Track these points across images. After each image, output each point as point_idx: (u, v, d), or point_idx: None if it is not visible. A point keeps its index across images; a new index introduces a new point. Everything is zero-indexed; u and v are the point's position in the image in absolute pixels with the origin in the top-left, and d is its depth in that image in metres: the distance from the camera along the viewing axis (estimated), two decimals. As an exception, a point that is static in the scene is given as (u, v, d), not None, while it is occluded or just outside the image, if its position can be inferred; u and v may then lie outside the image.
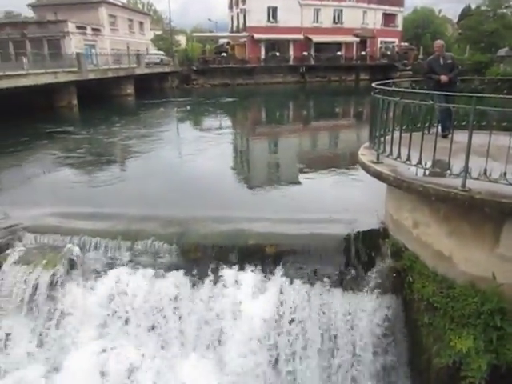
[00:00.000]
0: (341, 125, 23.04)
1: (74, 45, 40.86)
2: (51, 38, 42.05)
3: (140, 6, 76.21)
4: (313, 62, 50.73)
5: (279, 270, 5.85)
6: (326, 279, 5.68)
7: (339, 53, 52.16)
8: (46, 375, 5.60)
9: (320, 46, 51.43)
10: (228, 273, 5.87)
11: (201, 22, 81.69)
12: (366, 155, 5.94)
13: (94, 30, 46.03)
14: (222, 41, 60.40)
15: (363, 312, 5.38)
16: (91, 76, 30.16)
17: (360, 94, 36.63)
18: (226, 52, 53.82)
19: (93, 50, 41.66)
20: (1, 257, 6.25)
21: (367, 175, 5.71)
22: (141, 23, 58.47)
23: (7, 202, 9.16)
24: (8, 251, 6.36)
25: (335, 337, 5.40)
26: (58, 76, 25.90)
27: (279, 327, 5.54)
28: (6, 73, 21.98)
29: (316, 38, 50.64)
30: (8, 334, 5.81)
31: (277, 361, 5.51)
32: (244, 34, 51.13)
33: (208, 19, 67.42)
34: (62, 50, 39.29)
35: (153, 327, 5.83)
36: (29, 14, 52.33)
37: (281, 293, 5.62)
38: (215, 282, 5.84)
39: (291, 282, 5.67)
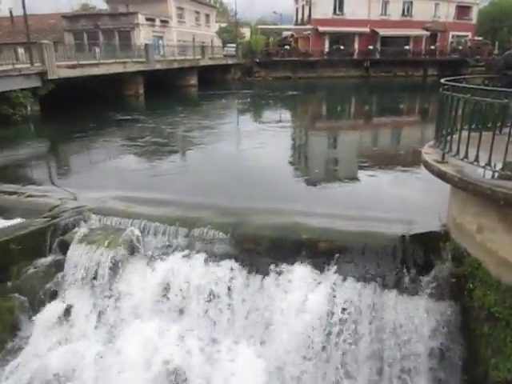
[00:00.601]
0: (404, 122, 22.25)
1: (142, 36, 42.38)
2: (122, 29, 43.93)
3: (207, -1, 77.58)
4: (378, 56, 49.21)
5: (332, 267, 5.78)
6: (380, 279, 5.54)
7: (407, 47, 50.19)
8: (102, 348, 5.86)
9: (386, 40, 49.77)
10: (280, 265, 5.90)
11: (265, 15, 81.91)
12: (430, 154, 5.70)
13: (162, 21, 47.42)
14: (285, 33, 60.21)
15: (417, 316, 5.20)
16: (158, 66, 31.21)
17: (427, 91, 35.14)
18: (290, 45, 53.58)
19: (160, 42, 43.01)
20: (68, 235, 6.67)
21: (430, 175, 5.48)
22: (207, 15, 59.46)
23: (75, 184, 9.75)
24: (74, 230, 6.78)
25: (387, 339, 5.26)
26: (126, 66, 27.08)
27: (329, 324, 5.48)
28: (80, 62, 23.29)
29: (383, 32, 49.02)
30: (71, 307, 6.18)
31: (326, 358, 5.46)
32: (308, 26, 50.54)
33: (273, 11, 67.42)
34: (131, 41, 40.88)
35: (205, 312, 5.97)
36: (102, 6, 54.92)
37: (333, 290, 5.55)
38: (267, 273, 5.88)
39: (344, 280, 5.58)
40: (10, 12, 46.09)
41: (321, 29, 48.80)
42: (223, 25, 74.01)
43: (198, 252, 6.23)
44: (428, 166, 5.51)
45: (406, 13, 51.39)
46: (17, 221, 7.21)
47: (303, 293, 5.69)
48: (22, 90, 19.36)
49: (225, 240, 6.30)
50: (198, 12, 56.22)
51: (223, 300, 5.93)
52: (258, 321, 5.83)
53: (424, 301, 5.24)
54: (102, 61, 25.51)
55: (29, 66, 20.57)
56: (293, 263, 5.92)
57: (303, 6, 53.65)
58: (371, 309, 5.36)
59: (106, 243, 6.31)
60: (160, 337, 5.87)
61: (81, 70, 23.08)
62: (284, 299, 5.74)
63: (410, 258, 5.76)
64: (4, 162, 13.04)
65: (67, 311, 6.10)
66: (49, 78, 20.57)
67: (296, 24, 56.73)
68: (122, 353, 5.73)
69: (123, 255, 6.22)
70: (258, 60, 47.27)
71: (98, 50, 28.26)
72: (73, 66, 22.69)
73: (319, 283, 5.69)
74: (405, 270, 5.64)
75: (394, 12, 50.75)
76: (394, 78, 46.98)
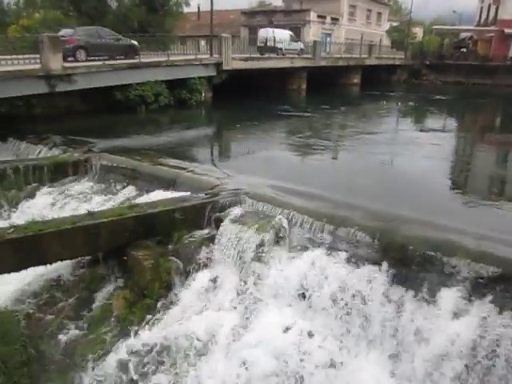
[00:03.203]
0: None
1: (312, 33, 43.33)
2: (293, 25, 45.44)
3: (381, -3, 75.39)
4: None
5: (487, 295, 5.21)
6: (545, 320, 4.82)
7: None
8: (237, 324, 6.15)
9: None
10: (426, 282, 5.54)
11: (442, 14, 76.26)
12: None
13: (332, 19, 47.79)
14: (463, 35, 55.30)
15: None
16: (323, 63, 31.58)
17: None
18: (467, 47, 49.11)
19: (328, 39, 43.41)
20: (224, 214, 7.25)
21: None
22: (379, 14, 57.99)
23: (233, 167, 10.46)
24: (229, 210, 7.33)
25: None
26: (294, 61, 28.05)
27: (473, 356, 4.98)
28: (252, 55, 24.89)
29: None
30: (216, 279, 6.70)
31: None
32: (492, 28, 45.57)
33: (452, 11, 62.57)
34: (300, 37, 42.05)
35: (337, 314, 5.91)
36: (278, 3, 57.54)
37: (484, 320, 5.01)
38: (411, 287, 5.58)
39: (499, 313, 4.99)
40: (198, 8, 51.31)
41: (507, 31, 43.53)
42: (394, 24, 71.17)
43: (340, 251, 6.20)
44: None
45: None
46: (182, 193, 8.11)
47: (447, 317, 5.27)
48: (199, 77, 21.48)
49: (371, 244, 6.14)
50: (369, 10, 55.19)
51: (359, 305, 5.80)
52: (393, 335, 5.57)
53: None
54: (271, 55, 26.84)
55: (208, 56, 22.73)
56: (441, 282, 5.51)
57: (489, 6, 48.49)
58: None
59: (255, 227, 6.65)
60: (290, 327, 6.00)
61: (251, 63, 24.61)
62: (425, 319, 5.38)
63: None
64: (176, 139, 14.75)
65: (213, 282, 6.62)
66: (223, 68, 22.43)
67: (477, 25, 51.66)
68: (254, 332, 6.00)
69: (269, 241, 6.50)
70: (427, 62, 44.43)
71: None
72: (245, 59, 24.34)
73: (469, 310, 5.20)
74: None
75: None
76: None
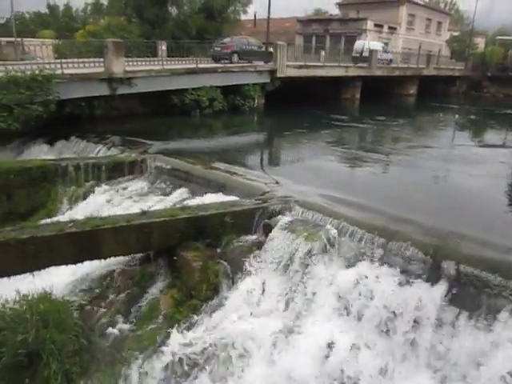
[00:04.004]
0: None
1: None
2: (349, 34, 45.12)
3: (442, 5, 73.10)
4: None
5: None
6: None
7: None
8: (282, 331, 6.10)
9: None
10: (483, 304, 5.30)
11: (507, 23, 72.55)
12: None
13: (390, 28, 46.92)
14: (530, 46, 52.50)
15: None
16: (378, 73, 31.04)
17: None
18: (534, 59, 46.55)
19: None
20: (273, 220, 7.25)
21: None
22: (439, 23, 56.32)
23: (282, 174, 10.44)
24: (279, 217, 7.33)
25: None
26: (348, 70, 27.73)
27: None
28: (307, 63, 24.87)
29: None
30: (263, 285, 6.66)
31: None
32: None
33: (519, 21, 59.55)
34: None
35: (384, 330, 5.76)
36: (334, 11, 57.22)
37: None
38: (465, 308, 5.34)
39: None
40: (254, 15, 51.92)
41: None
42: (455, 33, 68.76)
43: (390, 266, 6.04)
44: None
45: None
46: (233, 198, 8.22)
47: (503, 342, 5.00)
48: (253, 84, 21.72)
49: (423, 260, 5.93)
50: (429, 19, 53.69)
51: (407, 322, 5.62)
52: (443, 356, 5.35)
53: None
54: (326, 63, 26.71)
55: (263, 63, 22.95)
56: (498, 305, 5.24)
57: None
58: None
59: (304, 235, 6.61)
60: (336, 338, 5.90)
61: (305, 71, 24.60)
62: (479, 342, 5.13)
63: None
64: (228, 144, 15.00)
65: (260, 288, 6.60)
66: (277, 75, 22.57)
67: (548, 36, 48.94)
68: (298, 341, 5.96)
69: (318, 250, 6.43)
70: (489, 74, 42.53)
71: (323, 53, 29.71)
72: (299, 67, 24.35)
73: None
74: None
75: None
76: None
